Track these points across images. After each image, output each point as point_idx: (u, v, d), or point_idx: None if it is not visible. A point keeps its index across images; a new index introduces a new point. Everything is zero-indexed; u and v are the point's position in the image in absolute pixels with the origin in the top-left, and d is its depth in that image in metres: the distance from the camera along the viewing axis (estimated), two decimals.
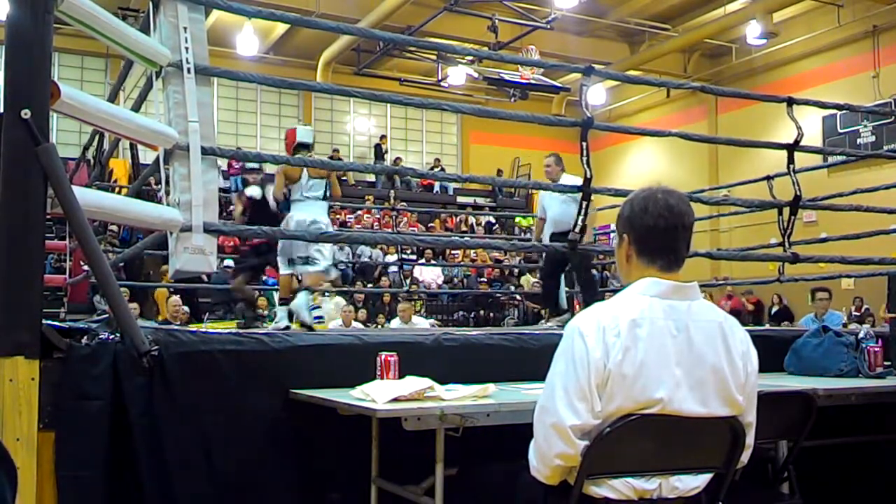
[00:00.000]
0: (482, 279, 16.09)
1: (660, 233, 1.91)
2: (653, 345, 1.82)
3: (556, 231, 6.34)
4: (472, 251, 15.94)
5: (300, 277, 5.98)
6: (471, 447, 2.36)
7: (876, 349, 3.50)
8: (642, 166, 19.85)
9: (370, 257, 15.36)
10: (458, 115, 20.20)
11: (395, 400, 2.32)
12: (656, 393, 1.81)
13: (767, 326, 12.17)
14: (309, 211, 5.73)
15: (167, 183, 2.84)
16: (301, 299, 5.79)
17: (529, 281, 15.61)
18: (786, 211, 4.55)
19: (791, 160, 4.42)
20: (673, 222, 1.91)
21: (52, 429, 2.28)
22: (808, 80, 16.34)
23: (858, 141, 15.78)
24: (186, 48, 2.86)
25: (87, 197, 2.47)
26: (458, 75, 17.64)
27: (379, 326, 11.23)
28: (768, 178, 6.55)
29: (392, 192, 17.39)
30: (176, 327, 5.14)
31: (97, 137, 5.65)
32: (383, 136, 19.75)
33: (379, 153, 18.94)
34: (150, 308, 10.06)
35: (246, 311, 7.55)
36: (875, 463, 3.54)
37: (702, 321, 1.89)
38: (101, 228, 9.80)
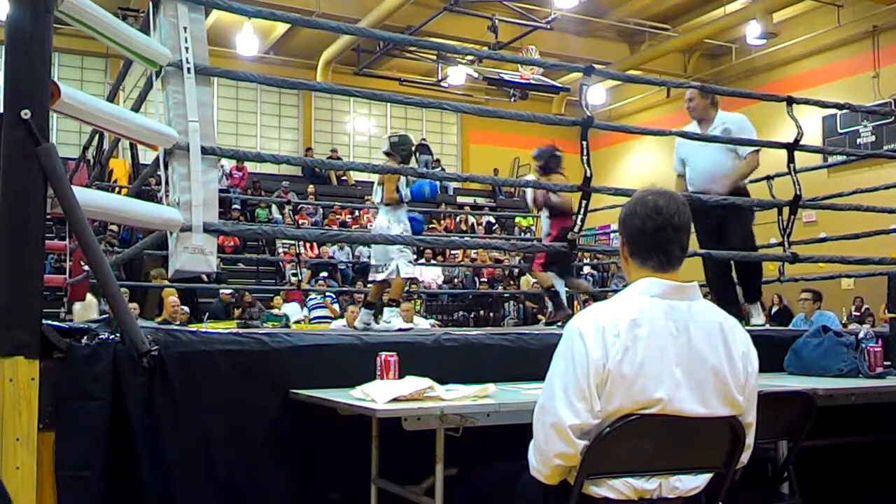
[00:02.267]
0: (482, 279, 16.09)
1: (648, 234, 1.93)
2: (652, 345, 1.82)
3: (702, 188, 4.73)
4: (472, 251, 15.93)
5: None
6: (471, 447, 2.36)
7: (876, 349, 3.50)
8: (642, 166, 19.84)
9: (370, 257, 15.34)
10: (458, 115, 20.21)
11: (395, 400, 2.32)
12: (656, 393, 1.81)
13: (767, 326, 12.16)
14: (378, 216, 5.81)
15: (167, 183, 2.84)
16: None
17: (529, 281, 15.61)
18: (785, 211, 4.54)
19: (791, 159, 4.42)
20: (661, 223, 1.92)
21: (52, 429, 2.28)
22: (808, 80, 16.34)
23: (858, 141, 15.78)
24: (186, 48, 2.86)
25: (87, 197, 2.46)
26: (458, 75, 17.63)
27: None
28: (768, 177, 6.54)
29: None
30: (176, 327, 5.14)
31: (97, 137, 5.65)
32: (423, 139, 19.46)
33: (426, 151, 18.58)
34: (151, 309, 10.03)
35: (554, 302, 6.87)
36: (875, 463, 3.54)
37: (702, 321, 1.89)
38: (101, 228, 9.79)
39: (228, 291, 11.84)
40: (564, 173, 6.10)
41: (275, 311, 11.39)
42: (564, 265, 6.32)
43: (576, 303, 8.00)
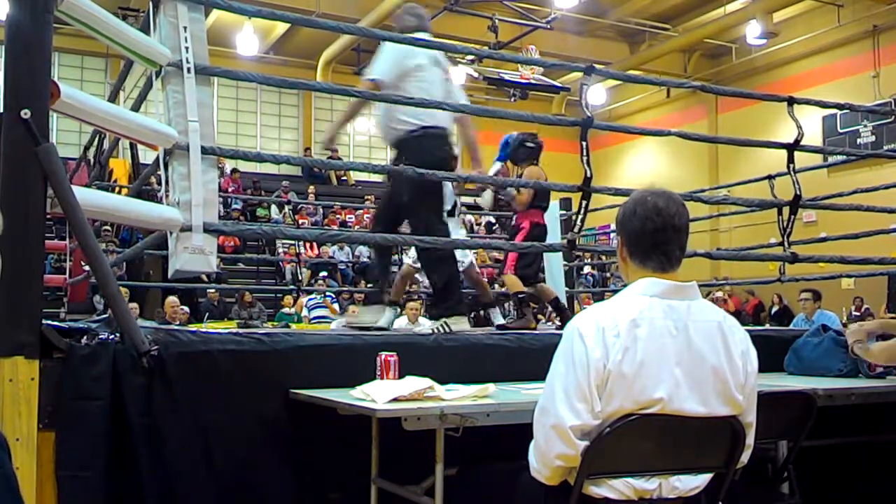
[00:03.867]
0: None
1: (648, 235, 1.93)
2: (652, 345, 1.82)
3: None
4: (472, 251, 15.89)
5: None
6: (471, 447, 2.36)
7: None
8: (642, 166, 19.85)
9: (370, 257, 15.36)
10: None
11: (395, 400, 2.32)
12: (656, 393, 1.81)
13: (767, 326, 12.17)
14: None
15: (167, 183, 2.84)
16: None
17: None
18: (785, 210, 4.54)
19: (791, 159, 4.42)
20: (662, 224, 1.92)
21: (52, 429, 2.28)
22: (808, 80, 16.35)
23: (858, 141, 15.79)
24: (186, 48, 2.86)
25: (87, 197, 2.47)
26: (458, 75, 17.61)
27: None
28: (769, 177, 6.53)
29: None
30: (176, 327, 5.14)
31: (97, 137, 5.64)
32: None
33: None
34: (151, 308, 10.04)
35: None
36: (875, 463, 3.54)
37: (701, 321, 1.89)
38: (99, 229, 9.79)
39: (214, 290, 11.84)
40: (539, 165, 5.55)
41: (286, 309, 11.41)
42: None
43: (576, 303, 7.99)
